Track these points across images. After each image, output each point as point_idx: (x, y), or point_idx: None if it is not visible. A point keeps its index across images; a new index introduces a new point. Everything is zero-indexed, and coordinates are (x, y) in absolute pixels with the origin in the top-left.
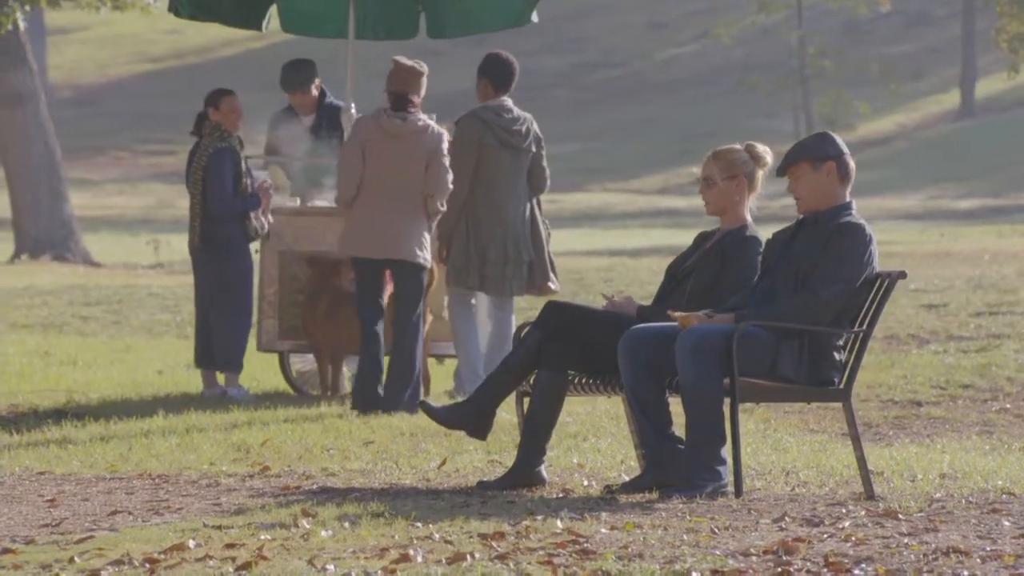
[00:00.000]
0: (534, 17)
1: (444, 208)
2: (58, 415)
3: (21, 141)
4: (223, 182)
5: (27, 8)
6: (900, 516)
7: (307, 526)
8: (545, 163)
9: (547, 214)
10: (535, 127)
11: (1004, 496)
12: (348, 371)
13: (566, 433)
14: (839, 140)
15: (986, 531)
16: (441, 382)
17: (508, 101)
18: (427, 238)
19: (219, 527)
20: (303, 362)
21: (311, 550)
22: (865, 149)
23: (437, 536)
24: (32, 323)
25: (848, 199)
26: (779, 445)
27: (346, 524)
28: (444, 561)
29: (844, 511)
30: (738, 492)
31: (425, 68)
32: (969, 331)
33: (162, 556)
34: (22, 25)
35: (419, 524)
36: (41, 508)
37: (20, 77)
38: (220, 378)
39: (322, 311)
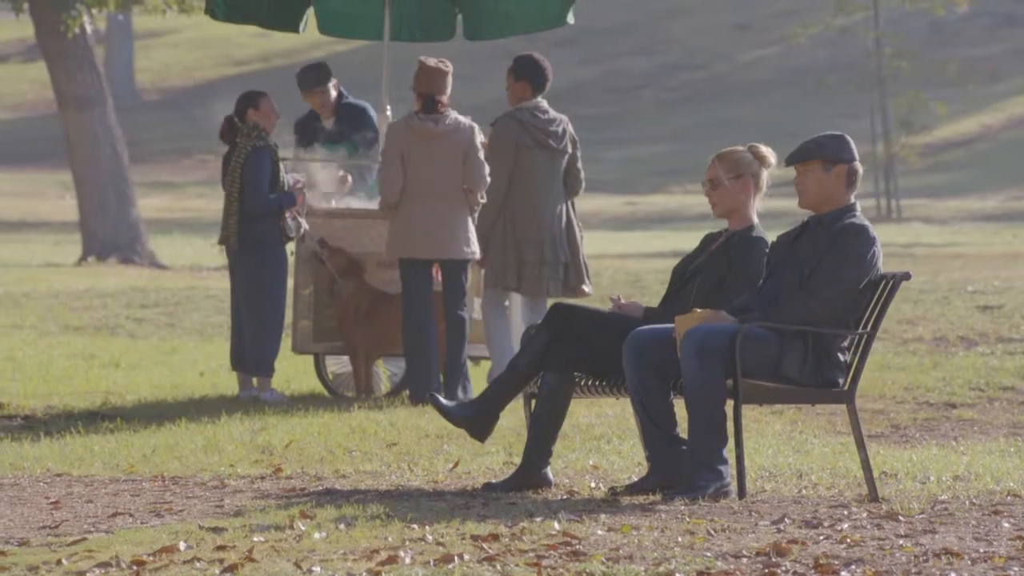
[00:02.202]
0: (570, 18)
1: (484, 200)
2: (91, 417)
3: (88, 144)
4: (261, 180)
5: (93, 12)
6: (900, 518)
7: (302, 528)
8: (580, 164)
9: (623, 216)
10: (571, 128)
11: (1009, 498)
12: (386, 372)
13: (591, 435)
14: (853, 145)
15: (984, 533)
16: (475, 383)
17: (544, 102)
18: (472, 231)
19: (214, 529)
20: (339, 364)
21: (301, 552)
22: (949, 150)
23: (430, 538)
24: (84, 325)
25: (852, 201)
26: (802, 447)
27: (342, 526)
28: (432, 563)
29: (845, 513)
30: (741, 493)
31: (450, 67)
32: (1020, 333)
33: (150, 558)
34: (88, 28)
35: (415, 526)
36: (44, 510)
37: (87, 81)
38: (255, 381)
39: (362, 311)
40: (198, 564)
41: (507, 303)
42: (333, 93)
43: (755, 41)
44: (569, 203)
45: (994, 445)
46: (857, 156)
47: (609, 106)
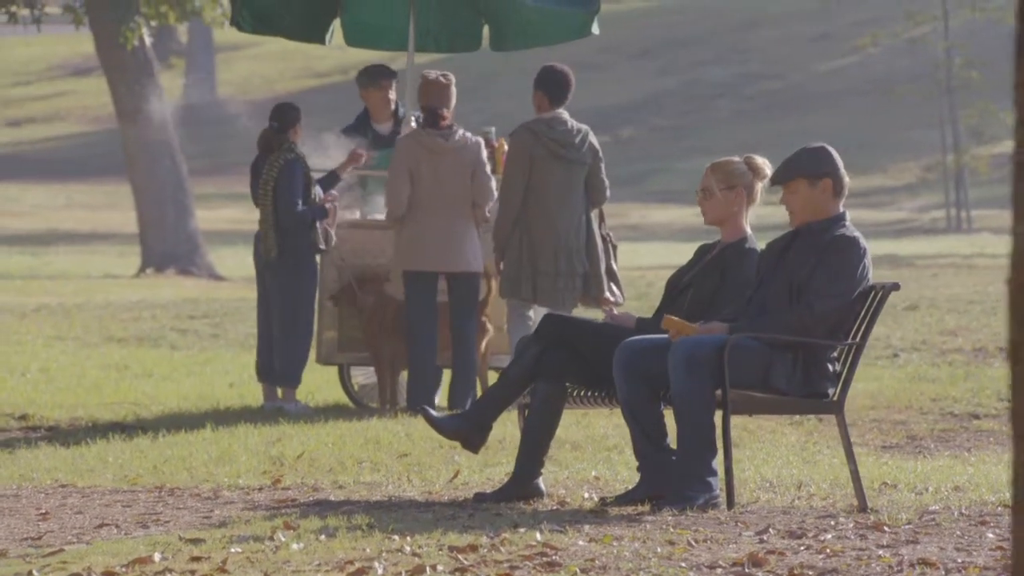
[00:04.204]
0: (595, 28)
1: (490, 216)
2: (114, 428)
3: (147, 157)
4: (294, 193)
5: (152, 24)
6: (886, 528)
7: (282, 539)
8: (604, 175)
9: (696, 227)
10: (592, 139)
11: (999, 508)
12: None
13: (604, 446)
14: (835, 155)
15: (966, 543)
16: None
17: (563, 113)
18: (478, 245)
19: (193, 540)
20: (365, 375)
21: (275, 563)
22: None
23: (408, 549)
24: (128, 336)
25: (842, 210)
26: (812, 458)
27: (322, 537)
28: (403, 574)
29: (832, 523)
30: (730, 504)
31: (452, 79)
32: None
33: (123, 569)
34: (148, 41)
35: (396, 537)
36: (32, 521)
37: (146, 93)
38: (280, 391)
39: (387, 322)
40: (169, 575)
41: (531, 314)
42: (392, 96)
43: (833, 51)
44: (591, 213)
45: (1007, 456)
46: (841, 166)
47: (686, 116)
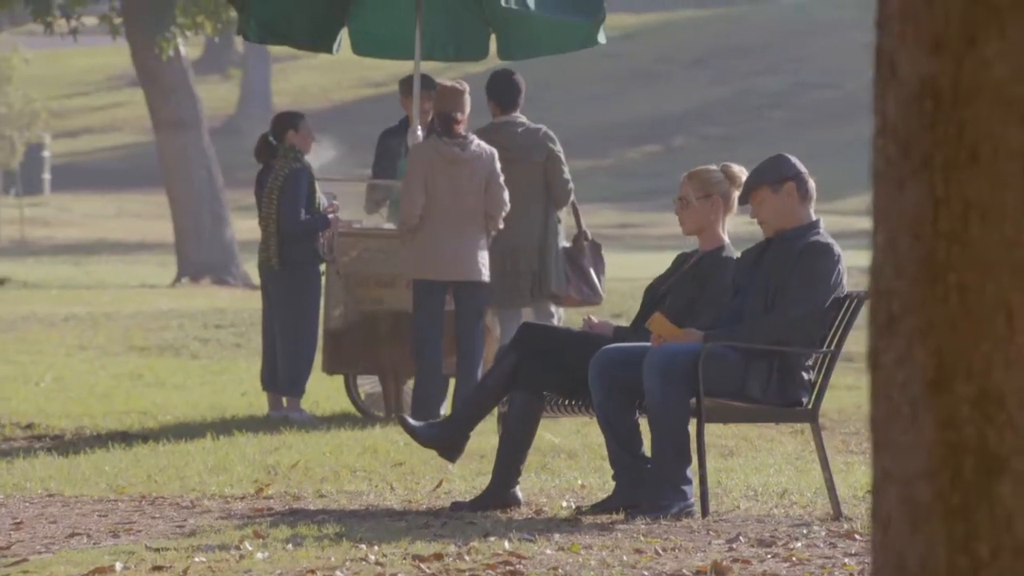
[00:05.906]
0: (601, 38)
1: (502, 226)
2: (116, 437)
3: (183, 167)
4: (298, 202)
5: (188, 34)
6: (857, 536)
7: (248, 548)
8: (566, 175)
9: (743, 235)
10: (548, 140)
11: None
12: None
13: (598, 455)
14: (795, 160)
15: None
16: None
17: (518, 117)
18: (487, 255)
19: (159, 549)
20: (371, 384)
21: (238, 572)
22: None
23: (373, 558)
24: (150, 346)
25: (815, 218)
26: (804, 467)
27: (289, 546)
28: None
29: (804, 532)
30: (704, 512)
31: (466, 87)
32: None
33: None
34: (183, 51)
35: (363, 546)
36: (4, 531)
37: (182, 104)
38: (285, 400)
39: (385, 331)
40: None
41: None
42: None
43: None
44: (553, 215)
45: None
46: (802, 170)
47: (737, 126)
